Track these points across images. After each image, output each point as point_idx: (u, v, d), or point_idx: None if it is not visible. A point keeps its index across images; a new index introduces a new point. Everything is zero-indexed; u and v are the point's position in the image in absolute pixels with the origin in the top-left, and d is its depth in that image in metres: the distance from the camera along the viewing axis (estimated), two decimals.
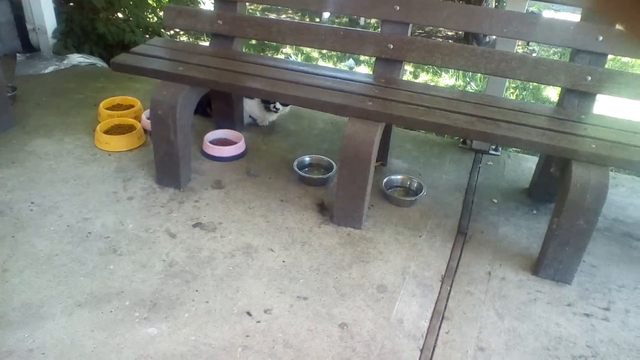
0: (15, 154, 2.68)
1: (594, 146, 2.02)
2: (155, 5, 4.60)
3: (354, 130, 2.14)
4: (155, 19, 4.59)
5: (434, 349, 1.80)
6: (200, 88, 2.42)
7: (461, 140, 3.15)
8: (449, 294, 2.04)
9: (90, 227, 2.23)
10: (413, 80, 5.50)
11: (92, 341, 1.72)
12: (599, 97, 2.35)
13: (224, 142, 2.86)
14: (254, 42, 6.14)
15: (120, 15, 4.30)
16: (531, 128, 2.12)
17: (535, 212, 2.57)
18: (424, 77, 5.77)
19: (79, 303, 1.86)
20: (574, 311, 2.00)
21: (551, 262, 2.11)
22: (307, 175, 2.66)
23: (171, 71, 2.37)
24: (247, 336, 1.78)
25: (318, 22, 7.87)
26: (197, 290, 1.95)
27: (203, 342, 1.75)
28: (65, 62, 3.83)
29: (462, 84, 5.50)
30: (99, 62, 3.97)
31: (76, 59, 3.89)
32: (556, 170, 2.39)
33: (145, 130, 2.92)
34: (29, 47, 4.00)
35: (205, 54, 2.60)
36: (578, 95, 2.35)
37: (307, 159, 2.77)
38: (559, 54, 6.74)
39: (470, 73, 5.42)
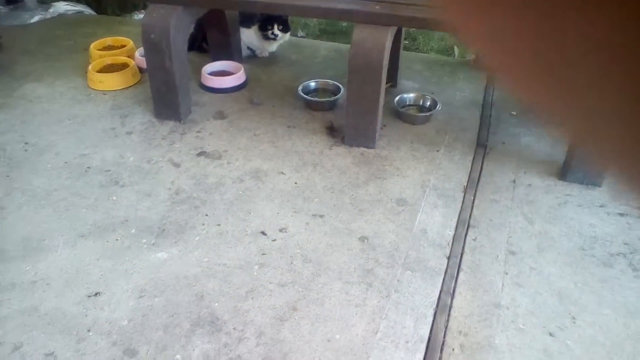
0: (4, 99, 2.54)
1: None
2: None
3: (362, 37, 1.98)
4: None
5: (461, 256, 1.69)
6: (193, 8, 2.25)
7: (473, 58, 2.98)
8: (473, 203, 1.92)
9: (89, 162, 2.11)
10: None
11: (98, 269, 1.62)
12: None
13: (223, 74, 2.70)
14: None
15: None
16: None
17: None
18: None
19: (82, 234, 1.75)
20: (608, 211, 1.88)
21: (579, 164, 1.98)
22: (313, 99, 2.51)
23: None
24: (264, 254, 1.67)
25: None
26: (206, 215, 1.84)
27: (217, 262, 1.64)
28: (51, 10, 3.65)
29: None
30: (86, 10, 3.78)
31: (62, 7, 3.70)
32: None
33: (140, 69, 2.76)
34: None
35: None
36: None
37: (312, 84, 2.62)
38: None
39: None
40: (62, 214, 1.84)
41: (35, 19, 3.55)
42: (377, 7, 2.02)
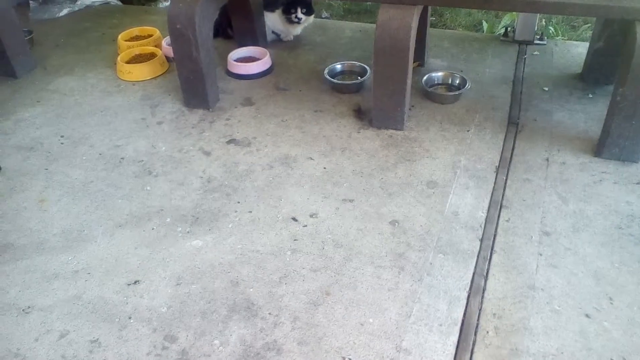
0: (40, 93, 2.61)
1: None
2: None
3: (388, 17, 1.96)
4: None
5: (494, 238, 1.68)
6: None
7: (502, 33, 2.90)
8: (505, 183, 1.89)
9: (122, 153, 2.15)
10: None
11: (136, 258, 1.67)
12: None
13: (249, 60, 2.71)
14: None
15: None
16: None
17: (591, 95, 2.36)
18: None
19: (119, 224, 1.80)
20: None
21: (616, 140, 1.93)
22: (339, 82, 2.50)
23: None
24: (295, 240, 1.69)
25: None
26: (238, 202, 1.86)
27: (250, 249, 1.67)
28: (78, 3, 3.70)
29: None
30: (113, 0, 3.82)
31: None
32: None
33: (167, 58, 2.79)
34: None
35: None
36: None
37: (338, 66, 2.60)
38: None
39: None
40: (99, 205, 1.89)
41: (64, 12, 3.61)
42: None
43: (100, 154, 2.15)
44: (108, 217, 1.83)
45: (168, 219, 1.81)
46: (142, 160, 2.10)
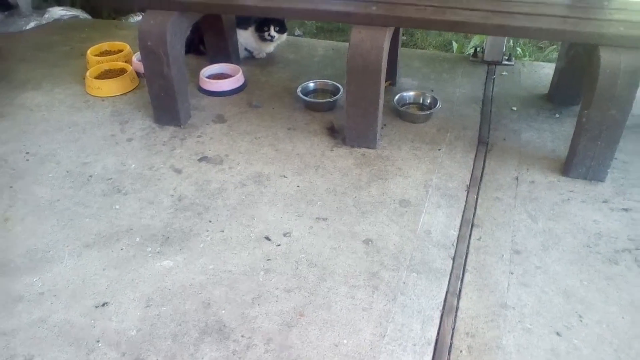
0: (4, 108, 2.54)
1: (622, 29, 1.85)
2: None
3: (360, 39, 1.98)
4: None
5: (466, 256, 1.69)
6: (189, 13, 2.25)
7: (472, 53, 2.97)
8: (476, 201, 1.92)
9: (90, 170, 2.10)
10: None
11: (104, 279, 1.62)
12: None
13: (221, 77, 2.70)
14: None
15: None
16: (551, 17, 1.95)
17: (557, 115, 2.42)
18: None
19: (87, 244, 1.75)
20: (611, 207, 1.88)
21: (582, 159, 1.98)
22: (313, 100, 2.51)
23: None
24: (268, 260, 1.68)
25: None
26: (210, 221, 1.84)
27: (222, 269, 1.64)
28: (46, 16, 3.63)
29: None
30: (82, 14, 3.77)
31: (57, 12, 3.68)
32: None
33: (138, 74, 2.76)
34: (6, 6, 3.78)
35: None
36: None
37: (311, 84, 2.61)
38: None
39: None
40: (66, 224, 1.84)
41: (31, 25, 3.54)
42: (374, 7, 2.01)
43: (67, 172, 2.10)
44: (75, 237, 1.78)
45: (137, 239, 1.77)
46: (111, 178, 2.06)
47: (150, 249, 1.73)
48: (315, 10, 2.04)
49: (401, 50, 2.69)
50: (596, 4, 2.07)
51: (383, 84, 2.08)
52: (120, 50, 2.97)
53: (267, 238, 1.76)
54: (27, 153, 2.21)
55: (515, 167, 2.09)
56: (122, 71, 2.74)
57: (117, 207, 1.91)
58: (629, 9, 2.01)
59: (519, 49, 3.35)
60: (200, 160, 2.15)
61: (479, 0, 2.11)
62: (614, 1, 2.11)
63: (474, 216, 1.86)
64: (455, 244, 1.74)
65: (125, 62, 2.85)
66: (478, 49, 2.97)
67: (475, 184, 2.01)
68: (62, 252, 1.73)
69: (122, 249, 1.73)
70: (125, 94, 2.65)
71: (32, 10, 3.72)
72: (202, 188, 1.99)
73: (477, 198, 1.94)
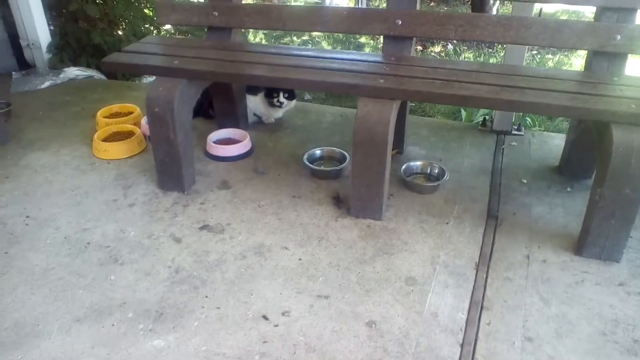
0: (9, 169, 2.53)
1: (633, 106, 1.81)
2: (151, 14, 4.48)
3: (367, 111, 1.96)
4: (152, 28, 4.47)
5: (475, 343, 1.59)
6: (198, 81, 2.26)
7: (480, 122, 2.95)
8: (485, 281, 1.83)
9: (89, 237, 2.06)
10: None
11: (92, 359, 1.54)
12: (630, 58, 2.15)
13: (229, 142, 2.69)
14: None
15: (116, 25, 4.19)
16: (560, 93, 1.92)
17: (569, 189, 2.36)
18: None
19: (77, 318, 1.68)
20: (628, 290, 1.79)
21: (596, 239, 1.90)
22: (318, 168, 2.48)
23: (166, 65, 2.21)
24: (265, 342, 1.59)
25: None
26: (206, 296, 1.77)
27: (215, 351, 1.56)
28: (61, 76, 3.71)
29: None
30: (97, 74, 3.85)
31: (73, 72, 3.77)
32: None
33: (145, 136, 2.76)
34: (25, 65, 3.89)
35: (202, 47, 2.44)
36: (607, 57, 2.15)
37: (317, 152, 2.59)
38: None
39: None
40: (58, 295, 1.78)
41: (46, 84, 3.62)
42: (382, 80, 2.01)
43: (65, 238, 2.06)
44: (66, 310, 1.71)
45: (130, 314, 1.69)
46: (109, 246, 2.01)
47: (142, 325, 1.65)
48: (323, 82, 2.04)
49: (409, 118, 2.68)
50: (606, 80, 2.06)
51: (389, 156, 2.04)
52: (131, 112, 3.00)
53: (265, 317, 1.68)
54: (27, 217, 2.18)
55: (526, 244, 2.02)
56: (130, 134, 2.74)
57: (112, 277, 1.85)
58: (638, 85, 1.99)
59: (528, 119, 3.33)
60: (201, 228, 2.10)
61: (488, 74, 2.11)
62: (623, 77, 2.09)
63: (483, 298, 1.77)
64: (463, 329, 1.64)
65: (134, 124, 2.87)
66: (487, 117, 2.95)
67: (485, 261, 1.93)
68: (51, 326, 1.65)
69: (113, 325, 1.65)
70: (131, 156, 2.64)
71: (48, 70, 3.81)
72: (201, 259, 1.93)
73: (486, 277, 1.85)
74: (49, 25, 3.84)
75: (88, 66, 3.94)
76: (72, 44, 3.92)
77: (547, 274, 1.86)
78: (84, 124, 3.00)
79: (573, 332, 1.63)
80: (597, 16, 2.19)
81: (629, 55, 2.14)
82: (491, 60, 5.29)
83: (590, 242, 1.91)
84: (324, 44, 6.37)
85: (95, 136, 2.68)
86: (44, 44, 3.78)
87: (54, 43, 3.84)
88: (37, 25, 3.70)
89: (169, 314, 1.69)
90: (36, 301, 1.75)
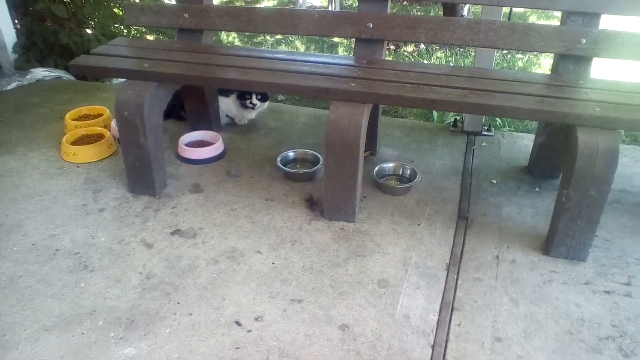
0: None
1: (598, 109, 1.86)
2: (121, 13, 4.41)
3: (339, 115, 1.97)
4: (122, 27, 4.40)
5: (446, 344, 1.62)
6: (168, 84, 2.23)
7: (452, 123, 2.99)
8: (456, 282, 1.86)
9: (57, 243, 2.02)
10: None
11: None
12: (595, 61, 2.21)
13: (201, 144, 2.67)
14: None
15: (84, 25, 4.11)
16: (528, 96, 1.96)
17: (537, 189, 2.41)
18: None
19: (46, 327, 1.65)
20: (593, 289, 1.84)
21: (563, 239, 1.94)
22: (292, 170, 2.48)
23: (136, 68, 2.18)
24: (237, 348, 1.58)
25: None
26: (178, 303, 1.75)
27: (188, 358, 1.55)
28: (28, 77, 3.62)
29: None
30: (65, 75, 3.77)
31: (40, 73, 3.68)
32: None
33: (115, 139, 2.72)
34: None
35: (172, 50, 2.41)
36: (573, 60, 2.20)
37: (291, 154, 2.59)
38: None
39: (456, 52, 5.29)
40: (26, 304, 1.74)
41: (12, 85, 3.53)
42: (353, 84, 2.02)
43: (33, 245, 2.01)
44: (34, 319, 1.68)
45: (100, 322, 1.67)
46: (79, 253, 1.97)
47: (113, 334, 1.63)
48: (295, 86, 2.04)
49: (382, 119, 2.70)
50: (572, 83, 2.10)
51: (362, 158, 2.05)
52: (100, 115, 2.95)
53: (238, 323, 1.67)
54: None
55: (495, 244, 2.05)
56: (99, 137, 2.70)
57: (82, 285, 1.82)
58: (603, 88, 2.04)
59: (498, 120, 3.39)
60: (173, 233, 2.09)
61: (457, 77, 2.14)
62: (589, 80, 2.14)
63: (454, 299, 1.79)
64: (434, 330, 1.66)
65: (104, 127, 2.82)
66: (458, 119, 2.99)
67: (456, 262, 1.96)
68: (18, 336, 1.62)
69: (83, 334, 1.63)
70: (101, 160, 2.60)
71: (14, 71, 3.72)
72: (173, 265, 1.92)
73: (457, 278, 1.88)
74: (14, 24, 3.75)
75: (56, 67, 3.86)
76: (39, 44, 3.83)
77: (516, 274, 1.90)
78: (52, 127, 2.94)
79: (541, 331, 1.67)
80: (563, 20, 2.24)
81: (594, 58, 2.19)
82: (462, 61, 5.35)
83: (558, 242, 1.96)
84: (297, 43, 6.36)
85: (64, 139, 2.63)
86: (9, 44, 3.69)
87: (20, 43, 3.75)
88: (1, 25, 3.61)
89: (141, 322, 1.67)
90: (2, 310, 1.71)
